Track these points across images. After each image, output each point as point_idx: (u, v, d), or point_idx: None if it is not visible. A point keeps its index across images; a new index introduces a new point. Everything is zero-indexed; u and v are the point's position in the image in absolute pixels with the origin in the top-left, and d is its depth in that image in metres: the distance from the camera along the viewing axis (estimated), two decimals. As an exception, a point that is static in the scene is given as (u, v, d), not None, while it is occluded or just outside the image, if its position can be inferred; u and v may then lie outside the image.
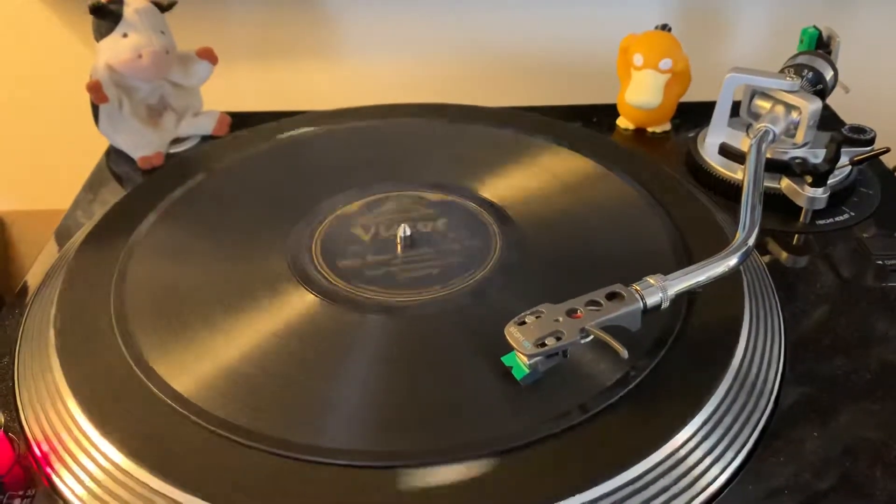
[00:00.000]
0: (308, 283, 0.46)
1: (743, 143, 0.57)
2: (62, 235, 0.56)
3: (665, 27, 0.64)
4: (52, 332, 0.43)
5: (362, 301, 0.45)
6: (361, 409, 0.38)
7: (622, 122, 0.68)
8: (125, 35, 0.60)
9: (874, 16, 0.80)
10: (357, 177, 0.56)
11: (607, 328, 0.38)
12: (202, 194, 0.55)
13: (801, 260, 0.52)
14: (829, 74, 0.58)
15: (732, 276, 0.43)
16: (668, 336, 0.42)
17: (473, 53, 0.81)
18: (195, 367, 0.41)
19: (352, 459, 0.36)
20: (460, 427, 0.37)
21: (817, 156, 0.55)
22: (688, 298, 0.44)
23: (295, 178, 0.57)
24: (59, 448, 0.38)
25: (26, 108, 0.83)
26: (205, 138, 0.67)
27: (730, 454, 0.37)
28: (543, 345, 0.37)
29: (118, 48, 0.60)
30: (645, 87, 0.64)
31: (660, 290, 0.39)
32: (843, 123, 0.62)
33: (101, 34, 0.60)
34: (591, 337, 0.38)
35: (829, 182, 0.54)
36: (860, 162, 0.55)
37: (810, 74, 0.58)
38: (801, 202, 0.54)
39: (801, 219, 0.55)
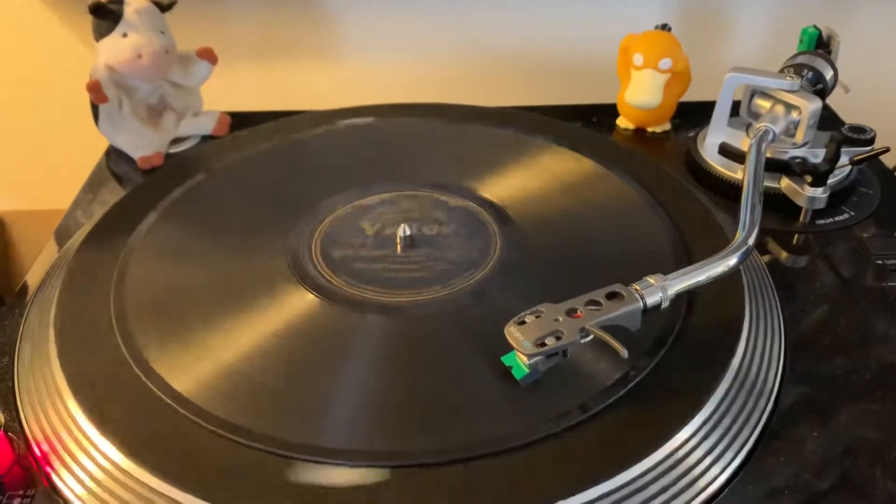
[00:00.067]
0: (308, 282, 0.46)
1: (743, 142, 0.57)
2: (62, 235, 0.56)
3: (665, 27, 0.64)
4: (51, 332, 0.43)
5: (362, 301, 0.45)
6: (361, 409, 0.38)
7: (622, 122, 0.68)
8: (125, 35, 0.60)
9: (874, 16, 0.80)
10: (357, 177, 0.56)
11: (607, 328, 0.38)
12: (202, 194, 0.55)
13: (801, 260, 0.52)
14: (828, 74, 0.58)
15: (732, 276, 0.43)
16: (668, 336, 0.42)
17: (473, 53, 0.81)
18: (195, 367, 0.41)
19: (352, 459, 0.36)
20: (460, 427, 0.37)
21: (817, 155, 0.55)
22: (688, 298, 0.44)
23: (295, 178, 0.57)
24: (59, 448, 0.38)
25: (26, 108, 0.83)
26: (205, 138, 0.67)
27: (730, 454, 0.37)
28: (543, 344, 0.37)
29: (118, 48, 0.60)
30: (645, 86, 0.64)
31: (659, 290, 0.39)
32: (842, 123, 0.62)
33: (100, 34, 0.60)
34: (591, 336, 0.38)
35: (828, 182, 0.54)
36: (860, 161, 0.55)
37: (810, 74, 0.58)
38: (800, 202, 0.54)
39: (801, 218, 0.55)
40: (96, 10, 0.59)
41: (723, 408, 0.38)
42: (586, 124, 0.68)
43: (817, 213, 0.55)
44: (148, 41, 0.60)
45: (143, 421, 0.38)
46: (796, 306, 0.47)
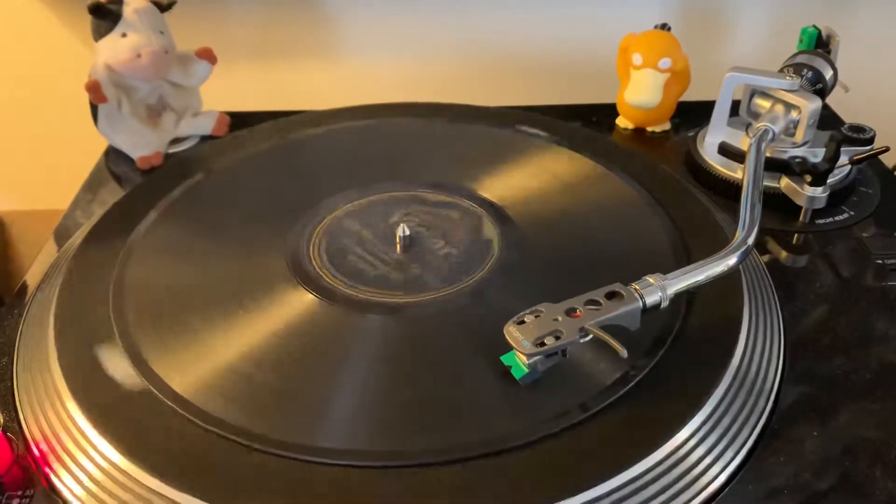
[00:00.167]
0: (307, 283, 0.46)
1: (742, 142, 0.57)
2: (61, 235, 0.56)
3: (664, 26, 0.64)
4: (51, 333, 0.43)
5: (362, 301, 0.45)
6: (361, 409, 0.38)
7: (622, 122, 0.68)
8: (124, 35, 0.60)
9: (874, 15, 0.79)
10: (357, 177, 0.56)
11: (606, 327, 0.38)
12: (201, 194, 0.55)
13: (801, 259, 0.52)
14: (828, 74, 0.58)
15: (732, 276, 0.43)
16: (668, 335, 0.42)
17: (473, 53, 0.81)
18: (194, 368, 0.40)
19: (351, 460, 0.36)
20: (460, 427, 0.37)
21: (817, 155, 0.55)
22: (687, 298, 0.44)
23: (294, 178, 0.57)
24: (58, 448, 0.38)
25: (26, 108, 0.83)
26: (204, 138, 0.67)
27: (729, 454, 0.37)
28: (542, 344, 0.37)
29: (117, 48, 0.60)
30: (644, 86, 0.64)
31: (659, 290, 0.39)
32: (842, 123, 0.62)
33: (99, 34, 0.60)
34: (591, 336, 0.38)
35: (828, 181, 0.54)
36: (860, 161, 0.55)
37: (810, 74, 0.58)
38: (800, 201, 0.54)
39: (801, 218, 0.55)
40: (95, 10, 0.59)
41: (722, 407, 0.38)
42: (586, 124, 0.68)
43: (817, 213, 0.55)
44: (147, 41, 0.60)
45: (142, 421, 0.38)
46: (796, 306, 0.47)
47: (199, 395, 0.39)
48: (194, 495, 0.34)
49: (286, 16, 0.79)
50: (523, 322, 0.38)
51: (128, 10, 0.60)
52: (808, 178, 0.53)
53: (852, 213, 0.55)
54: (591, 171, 0.56)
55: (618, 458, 0.35)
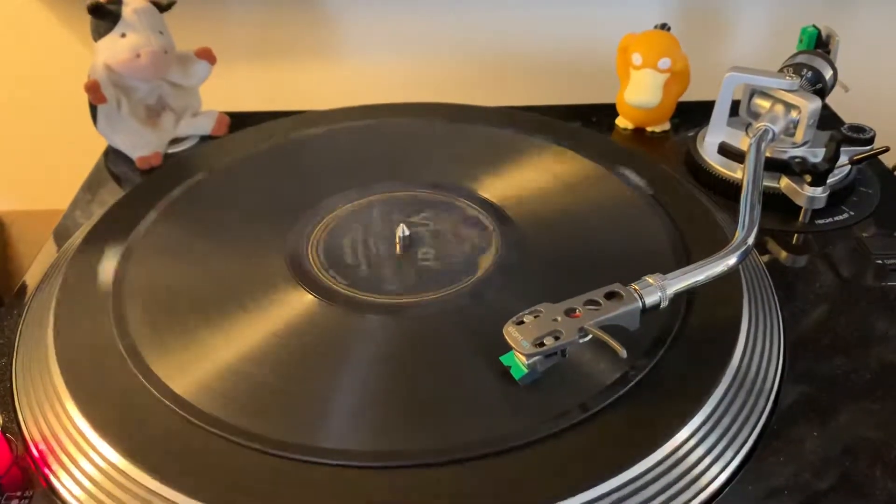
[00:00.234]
0: (307, 283, 0.46)
1: (742, 142, 0.57)
2: (61, 235, 0.56)
3: (664, 26, 0.64)
4: (50, 333, 0.43)
5: (361, 301, 0.45)
6: (361, 409, 0.38)
7: (621, 122, 0.68)
8: (123, 35, 0.60)
9: (873, 15, 0.79)
10: (356, 177, 0.56)
11: (606, 327, 0.38)
12: (201, 195, 0.55)
13: (801, 259, 0.52)
14: (828, 74, 0.58)
15: (731, 276, 0.43)
16: (668, 335, 0.42)
17: (473, 53, 0.81)
18: (194, 368, 0.40)
19: (351, 460, 0.36)
20: (460, 427, 0.37)
21: (817, 155, 0.55)
22: (687, 298, 0.44)
23: (294, 178, 0.57)
24: (58, 449, 0.38)
25: (25, 108, 0.83)
26: (203, 138, 0.67)
27: (729, 454, 0.37)
28: (542, 344, 0.37)
29: (116, 48, 0.60)
30: (644, 86, 0.64)
31: (658, 290, 0.39)
32: (842, 123, 0.62)
33: (99, 34, 0.60)
34: (590, 336, 0.37)
35: (828, 181, 0.54)
36: (859, 161, 0.55)
37: (809, 73, 0.58)
38: (800, 201, 0.54)
39: (801, 218, 0.55)
40: (95, 10, 0.59)
41: (722, 407, 0.38)
42: (586, 124, 0.68)
43: (817, 213, 0.55)
44: (146, 41, 0.60)
45: (141, 422, 0.38)
46: (796, 306, 0.47)
47: (198, 396, 0.39)
48: (194, 496, 0.34)
49: (286, 16, 0.79)
50: (522, 322, 0.38)
51: (127, 11, 0.60)
52: (808, 178, 0.53)
53: (852, 213, 0.55)
54: (590, 172, 0.56)
55: (618, 458, 0.35)
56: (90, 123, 0.63)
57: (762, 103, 0.57)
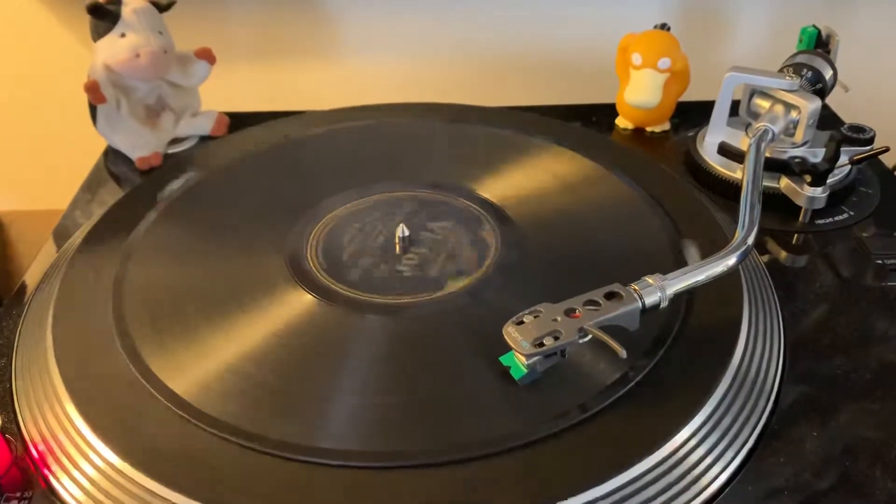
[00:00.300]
0: (306, 283, 0.46)
1: (742, 142, 0.57)
2: (60, 235, 0.56)
3: (664, 26, 0.64)
4: (49, 334, 0.43)
5: (361, 301, 0.45)
6: (360, 409, 0.38)
7: (621, 122, 0.68)
8: (123, 35, 0.60)
9: (873, 15, 0.79)
10: (356, 177, 0.56)
11: (606, 328, 0.38)
12: (200, 195, 0.55)
13: (801, 259, 0.52)
14: (828, 74, 0.58)
15: (731, 276, 0.43)
16: (667, 335, 0.41)
17: (473, 53, 0.81)
18: (193, 369, 0.40)
19: (351, 460, 0.36)
20: (459, 427, 0.37)
21: (816, 155, 0.55)
22: (687, 298, 0.44)
23: (293, 179, 0.57)
24: (57, 450, 0.38)
25: (25, 108, 0.83)
26: (203, 139, 0.67)
27: (729, 454, 0.37)
28: (541, 345, 0.37)
29: (116, 48, 0.60)
30: (644, 86, 0.64)
31: (658, 290, 0.39)
32: (842, 123, 0.62)
33: (98, 34, 0.60)
34: (590, 336, 0.37)
35: (828, 181, 0.54)
36: (859, 161, 0.55)
37: (809, 73, 0.58)
38: (800, 201, 0.54)
39: (801, 218, 0.55)
40: (94, 10, 0.59)
41: (722, 408, 0.38)
42: (586, 124, 0.68)
43: (817, 213, 0.55)
44: (146, 41, 0.60)
45: (141, 423, 0.38)
46: (796, 306, 0.47)
47: (198, 396, 0.39)
48: (193, 497, 0.34)
49: (286, 16, 0.79)
50: (522, 322, 0.38)
51: (126, 11, 0.60)
52: (808, 178, 0.53)
53: (852, 213, 0.55)
54: (590, 172, 0.56)
55: (618, 458, 0.35)
56: (90, 123, 0.63)
57: (762, 103, 0.57)
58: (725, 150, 0.57)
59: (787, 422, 0.40)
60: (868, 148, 0.55)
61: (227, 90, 0.72)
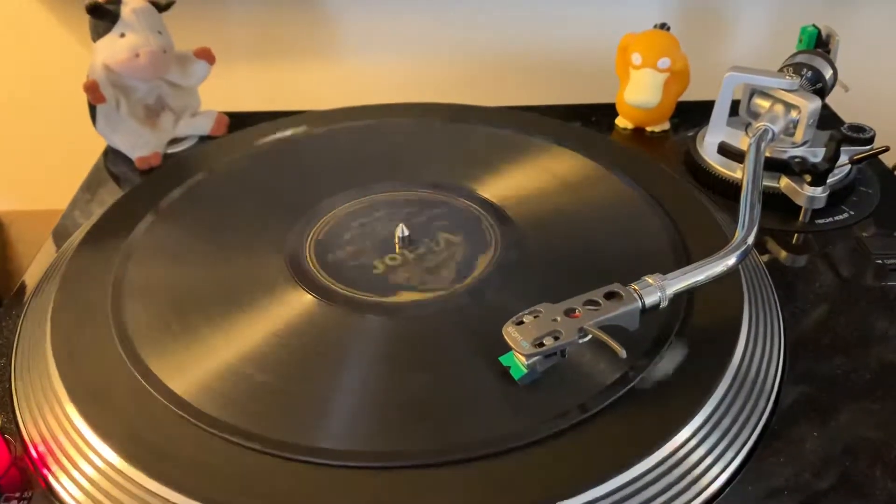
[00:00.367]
0: (306, 283, 0.46)
1: (742, 142, 0.57)
2: (60, 235, 0.56)
3: (663, 26, 0.64)
4: (49, 333, 0.43)
5: (361, 301, 0.45)
6: (360, 409, 0.38)
7: (621, 122, 0.68)
8: (122, 35, 0.60)
9: (873, 15, 0.79)
10: (356, 177, 0.56)
11: (605, 328, 0.38)
12: (200, 195, 0.55)
13: (801, 259, 0.52)
14: (828, 73, 0.58)
15: (731, 276, 0.43)
16: (667, 335, 0.41)
17: (473, 53, 0.81)
18: (193, 369, 0.40)
19: (350, 460, 0.36)
20: (459, 427, 0.37)
21: (816, 155, 0.55)
22: (687, 298, 0.44)
23: (293, 179, 0.57)
24: (56, 450, 0.38)
25: (24, 108, 0.83)
26: (203, 138, 0.67)
27: (730, 454, 0.37)
28: (541, 345, 0.37)
29: (115, 48, 0.60)
30: (643, 86, 0.64)
31: (658, 290, 0.39)
32: (842, 122, 0.62)
33: (98, 34, 0.60)
34: (590, 336, 0.37)
35: (828, 181, 0.54)
36: (859, 161, 0.55)
37: (809, 73, 0.58)
38: (800, 201, 0.54)
39: (801, 218, 0.55)
40: (93, 10, 0.59)
41: (722, 408, 0.38)
42: (585, 124, 0.68)
43: (817, 213, 0.55)
44: (145, 41, 0.60)
45: (140, 423, 0.38)
46: (796, 306, 0.47)
47: (197, 396, 0.39)
48: (193, 497, 0.34)
49: (286, 16, 0.79)
50: (522, 322, 0.38)
51: (126, 10, 0.60)
52: (808, 177, 0.53)
53: (852, 212, 0.55)
54: (590, 171, 0.56)
55: (618, 459, 0.35)
56: (89, 123, 0.63)
57: (762, 103, 0.57)
58: (725, 150, 0.57)
59: (787, 422, 0.40)
60: (868, 147, 0.55)
61: (226, 90, 0.72)
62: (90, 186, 0.62)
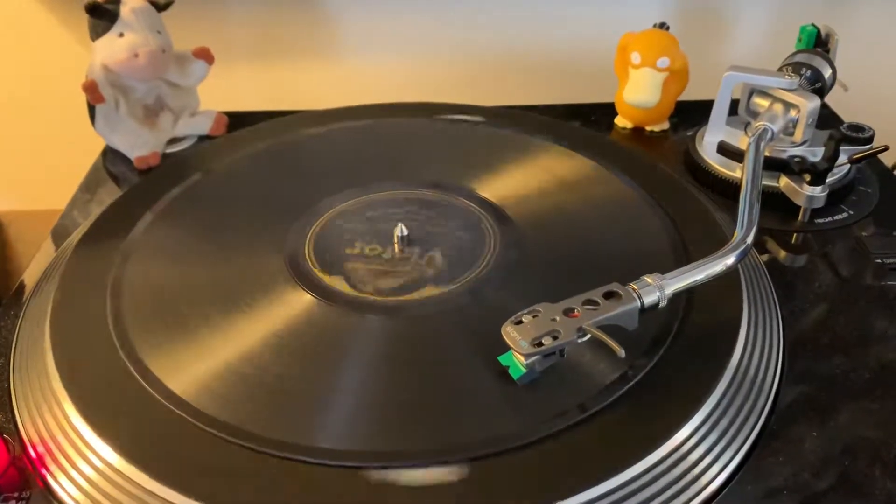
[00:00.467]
0: (306, 283, 0.46)
1: (741, 141, 0.57)
2: (59, 235, 0.56)
3: (663, 25, 0.64)
4: (47, 333, 0.43)
5: (360, 301, 0.45)
6: (359, 409, 0.38)
7: (620, 121, 0.68)
8: (121, 34, 0.60)
9: (873, 14, 0.79)
10: (355, 176, 0.56)
11: (604, 327, 0.38)
12: (199, 194, 0.55)
13: (800, 259, 0.52)
14: (827, 73, 0.58)
15: (731, 275, 0.43)
16: (667, 335, 0.41)
17: (473, 53, 0.81)
18: (192, 368, 0.40)
19: (350, 460, 0.35)
20: (459, 427, 0.37)
21: (816, 154, 0.55)
22: (686, 297, 0.44)
23: (292, 178, 0.57)
24: (55, 450, 0.38)
25: (23, 108, 0.83)
26: (202, 138, 0.67)
27: (729, 453, 0.37)
28: (540, 344, 0.37)
29: (114, 48, 0.60)
30: (643, 85, 0.64)
31: (657, 289, 0.39)
32: (841, 122, 0.62)
33: (97, 34, 0.60)
34: (589, 336, 0.37)
35: (827, 180, 0.54)
36: (859, 160, 0.54)
37: (808, 73, 0.58)
38: (799, 201, 0.54)
39: (800, 217, 0.55)
40: (93, 10, 0.59)
41: (721, 407, 0.38)
42: (585, 123, 0.68)
43: (816, 212, 0.55)
44: (144, 41, 0.60)
45: (139, 423, 0.38)
46: (795, 305, 0.47)
47: (196, 396, 0.39)
48: (192, 497, 0.34)
49: (286, 16, 0.79)
50: (521, 322, 0.38)
51: (125, 10, 0.60)
52: (807, 177, 0.53)
53: (851, 212, 0.55)
54: (590, 171, 0.56)
55: (617, 458, 0.35)
56: (88, 123, 0.63)
57: (761, 102, 0.57)
58: (725, 150, 0.57)
59: (786, 421, 0.40)
60: (867, 147, 0.55)
61: (226, 90, 0.72)
62: (89, 186, 0.62)
